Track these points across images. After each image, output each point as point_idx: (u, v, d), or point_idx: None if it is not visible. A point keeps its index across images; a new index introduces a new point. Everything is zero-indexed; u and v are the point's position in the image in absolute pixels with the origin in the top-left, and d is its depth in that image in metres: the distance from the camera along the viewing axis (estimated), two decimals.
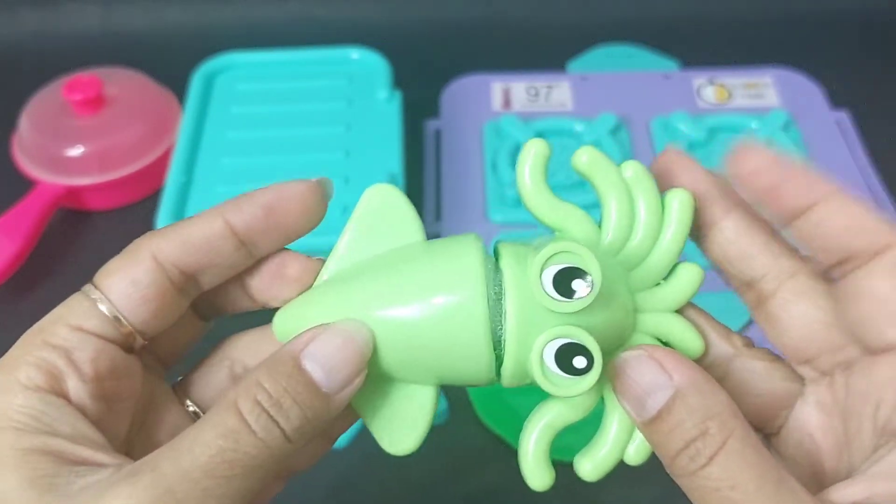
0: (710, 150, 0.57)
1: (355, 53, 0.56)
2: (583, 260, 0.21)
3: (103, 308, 0.22)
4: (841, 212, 0.22)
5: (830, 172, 0.61)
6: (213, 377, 0.26)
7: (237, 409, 0.20)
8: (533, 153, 0.23)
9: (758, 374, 0.24)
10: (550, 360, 0.21)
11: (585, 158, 0.23)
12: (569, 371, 0.21)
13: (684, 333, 0.23)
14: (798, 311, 0.23)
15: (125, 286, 0.22)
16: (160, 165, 0.54)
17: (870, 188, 0.55)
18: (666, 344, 0.23)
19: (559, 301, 0.21)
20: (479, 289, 0.22)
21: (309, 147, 0.50)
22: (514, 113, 0.60)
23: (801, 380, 0.24)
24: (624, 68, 0.64)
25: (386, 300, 0.22)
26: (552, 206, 0.23)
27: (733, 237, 0.23)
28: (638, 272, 0.23)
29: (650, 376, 0.21)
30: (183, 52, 0.62)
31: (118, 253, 0.23)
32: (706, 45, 0.67)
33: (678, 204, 0.23)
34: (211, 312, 0.27)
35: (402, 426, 0.23)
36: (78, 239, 0.55)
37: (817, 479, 0.23)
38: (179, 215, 0.46)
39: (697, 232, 0.24)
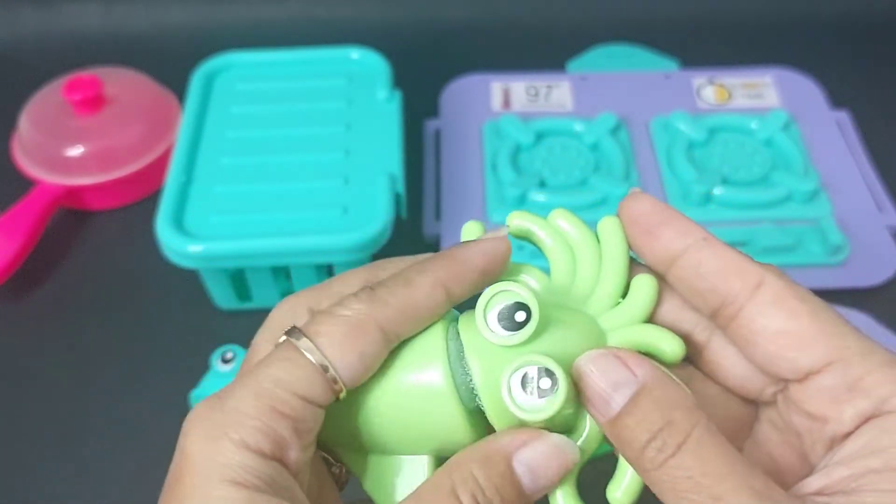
0: (709, 150, 0.57)
1: (355, 53, 0.56)
2: (517, 293, 0.22)
3: (332, 375, 0.22)
4: (713, 256, 0.23)
5: (831, 172, 0.60)
6: None
7: (458, 499, 0.21)
8: (474, 233, 0.25)
9: (714, 398, 0.25)
10: (520, 392, 0.22)
11: (517, 221, 0.25)
12: (542, 396, 0.22)
13: (660, 335, 0.24)
14: (733, 353, 0.24)
15: (354, 360, 0.22)
16: (160, 165, 0.54)
17: (869, 188, 0.55)
18: (647, 353, 0.24)
19: (505, 335, 0.22)
20: (441, 358, 0.23)
21: (309, 147, 0.50)
22: (514, 113, 0.60)
23: (754, 403, 0.25)
24: (624, 68, 0.64)
25: (380, 391, 0.23)
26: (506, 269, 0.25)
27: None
28: (595, 297, 0.24)
29: (614, 373, 0.22)
30: (183, 51, 0.62)
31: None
32: (706, 45, 0.67)
33: (609, 226, 0.25)
34: None
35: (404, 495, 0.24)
36: (78, 239, 0.55)
37: None
38: (179, 215, 0.46)
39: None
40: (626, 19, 0.70)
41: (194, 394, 0.44)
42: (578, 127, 0.58)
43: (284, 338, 0.22)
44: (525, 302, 0.22)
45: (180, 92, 0.56)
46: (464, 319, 0.24)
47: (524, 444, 0.22)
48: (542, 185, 0.54)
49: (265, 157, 0.50)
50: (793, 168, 0.55)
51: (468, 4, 0.72)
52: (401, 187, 0.48)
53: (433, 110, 0.62)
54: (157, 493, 0.47)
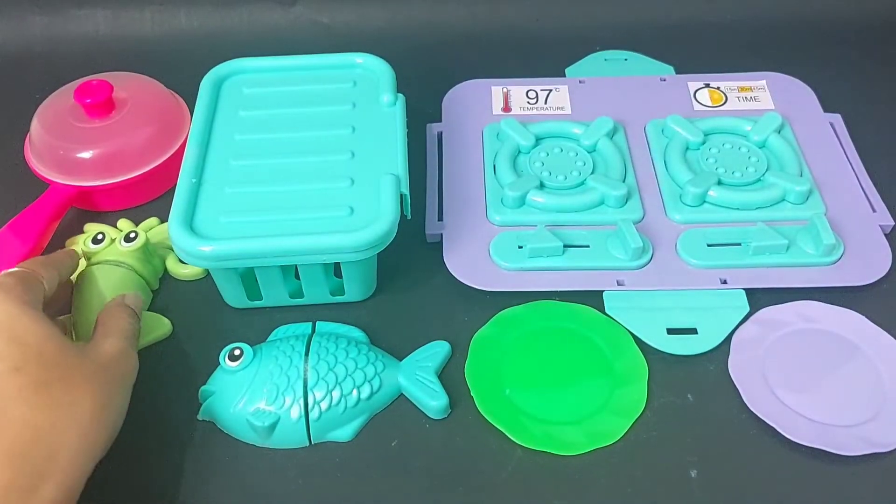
0: (704, 152, 0.58)
1: (360, 59, 0.57)
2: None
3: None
4: None
5: (824, 174, 0.61)
6: None
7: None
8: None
9: None
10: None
11: None
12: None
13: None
14: None
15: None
16: (170, 168, 0.55)
17: (862, 189, 0.56)
18: None
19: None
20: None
21: (316, 149, 0.51)
22: (514, 116, 0.61)
23: None
24: (621, 73, 0.65)
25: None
26: None
27: None
28: None
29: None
30: (191, 58, 0.63)
31: None
32: (701, 53, 0.68)
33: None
34: None
35: None
36: None
37: None
38: (189, 216, 0.47)
39: None
40: (623, 28, 0.71)
41: (203, 389, 0.45)
42: (577, 130, 0.59)
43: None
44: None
45: (190, 96, 0.57)
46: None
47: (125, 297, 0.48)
48: (542, 186, 0.55)
49: (273, 160, 0.50)
50: (787, 170, 0.56)
51: (470, 13, 0.73)
52: (405, 188, 0.49)
53: (436, 114, 0.63)
54: (167, 486, 0.47)
